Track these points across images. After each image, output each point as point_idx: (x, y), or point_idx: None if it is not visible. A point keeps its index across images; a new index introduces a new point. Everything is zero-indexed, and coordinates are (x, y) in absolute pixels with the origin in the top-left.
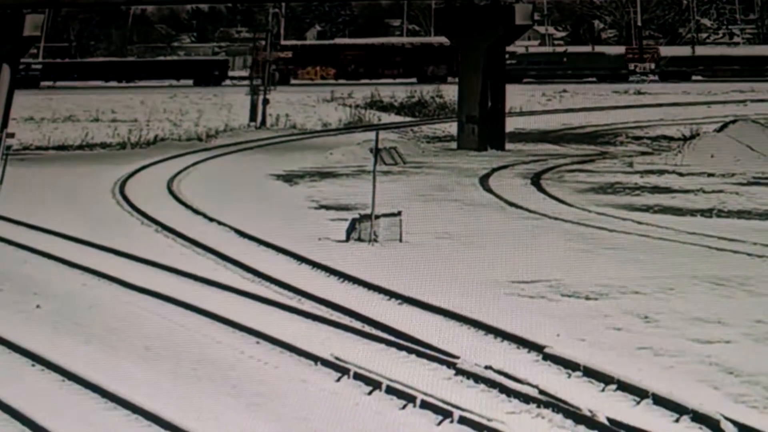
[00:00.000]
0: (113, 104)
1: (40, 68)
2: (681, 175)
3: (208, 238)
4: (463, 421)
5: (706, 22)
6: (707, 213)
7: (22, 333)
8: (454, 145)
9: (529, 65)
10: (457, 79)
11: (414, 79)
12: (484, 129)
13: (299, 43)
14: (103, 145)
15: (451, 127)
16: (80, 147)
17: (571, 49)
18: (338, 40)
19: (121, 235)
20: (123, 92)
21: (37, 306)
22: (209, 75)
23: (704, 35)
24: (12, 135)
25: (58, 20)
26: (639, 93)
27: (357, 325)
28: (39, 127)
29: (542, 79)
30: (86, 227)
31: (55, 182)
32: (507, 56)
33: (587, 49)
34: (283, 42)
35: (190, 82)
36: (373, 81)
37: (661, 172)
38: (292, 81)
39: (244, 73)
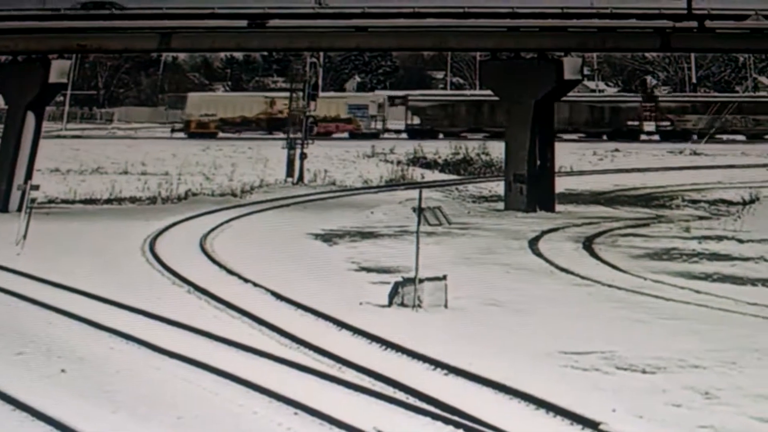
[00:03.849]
0: (143, 156)
1: None
2: (741, 241)
3: (243, 300)
4: None
5: (764, 79)
6: None
7: (45, 399)
8: (501, 205)
9: None
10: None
11: None
12: (532, 189)
13: None
14: (133, 200)
15: (498, 186)
16: (108, 201)
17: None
18: None
19: (151, 296)
20: (154, 144)
21: (62, 370)
22: None
23: (763, 94)
24: (36, 187)
25: (85, 67)
26: (695, 153)
27: (401, 396)
28: (65, 179)
29: None
30: (114, 286)
31: (82, 238)
32: None
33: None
34: (321, 93)
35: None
36: None
37: (719, 239)
38: None
39: None
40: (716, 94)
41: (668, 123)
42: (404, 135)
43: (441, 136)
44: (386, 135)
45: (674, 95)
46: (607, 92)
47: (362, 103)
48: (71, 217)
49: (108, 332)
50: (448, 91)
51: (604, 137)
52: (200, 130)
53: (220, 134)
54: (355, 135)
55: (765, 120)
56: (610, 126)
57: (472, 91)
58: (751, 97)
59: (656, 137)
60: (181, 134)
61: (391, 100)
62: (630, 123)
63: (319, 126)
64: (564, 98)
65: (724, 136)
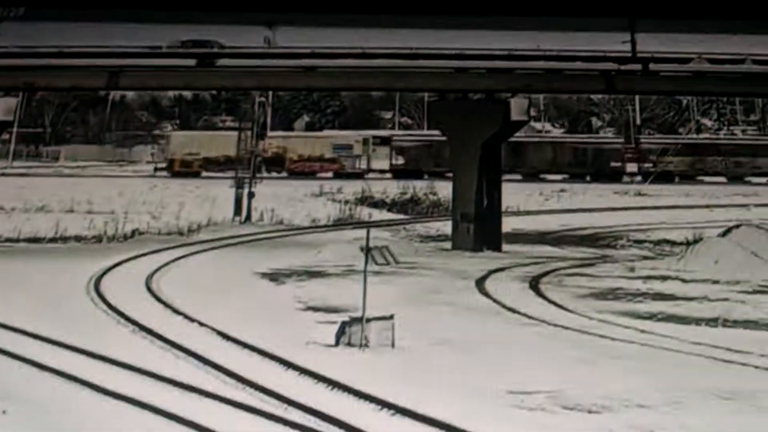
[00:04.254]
0: (89, 195)
1: None
2: (684, 281)
3: (188, 339)
4: None
5: (707, 122)
6: (712, 322)
7: None
8: (448, 244)
9: None
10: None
11: None
12: (479, 228)
13: None
14: (78, 238)
15: (446, 226)
16: (53, 239)
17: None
18: None
19: (95, 336)
20: (99, 181)
21: (3, 412)
22: None
23: (704, 136)
24: None
25: (32, 105)
26: (640, 194)
27: None
28: (9, 218)
29: None
30: (58, 326)
31: (25, 277)
32: None
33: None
34: (270, 132)
35: None
36: None
37: (664, 278)
38: None
39: None
40: (697, 136)
41: (651, 165)
42: (388, 175)
43: (426, 176)
44: (371, 175)
45: (656, 137)
46: (591, 134)
47: (347, 142)
48: (15, 256)
49: (51, 373)
50: (433, 131)
51: (588, 178)
52: (184, 170)
53: (204, 173)
54: (340, 175)
55: (745, 162)
56: (594, 167)
57: None
58: (731, 140)
59: (638, 178)
60: (164, 173)
61: (375, 140)
62: (613, 164)
63: (303, 165)
64: (548, 139)
65: (706, 178)
